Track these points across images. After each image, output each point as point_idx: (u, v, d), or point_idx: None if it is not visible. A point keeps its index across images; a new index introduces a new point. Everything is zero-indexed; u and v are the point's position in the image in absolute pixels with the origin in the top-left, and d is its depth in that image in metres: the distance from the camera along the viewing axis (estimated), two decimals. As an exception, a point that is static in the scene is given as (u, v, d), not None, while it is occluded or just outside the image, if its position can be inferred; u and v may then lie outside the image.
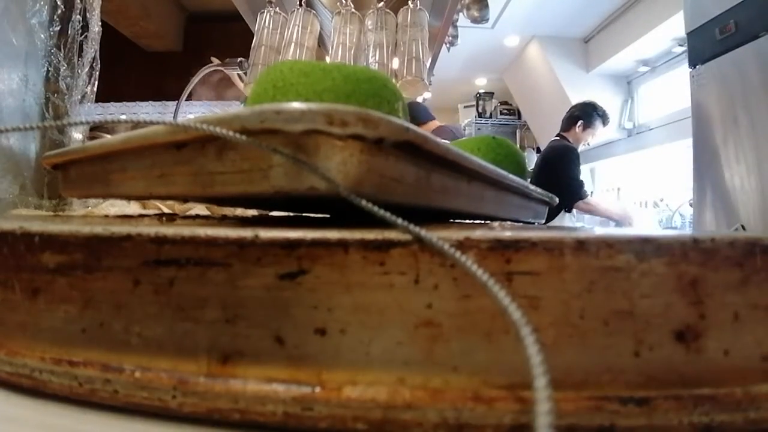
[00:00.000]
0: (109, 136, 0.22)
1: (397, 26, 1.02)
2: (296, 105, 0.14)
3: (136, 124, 0.18)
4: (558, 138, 1.85)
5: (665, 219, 2.02)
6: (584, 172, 2.05)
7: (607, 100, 2.25)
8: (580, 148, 1.81)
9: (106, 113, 2.47)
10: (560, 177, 1.70)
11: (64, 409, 0.14)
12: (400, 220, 0.13)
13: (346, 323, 0.13)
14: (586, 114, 1.80)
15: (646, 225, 2.05)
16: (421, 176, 0.18)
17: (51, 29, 0.66)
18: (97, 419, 0.13)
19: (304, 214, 0.27)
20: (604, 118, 1.81)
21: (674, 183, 2.08)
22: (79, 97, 0.69)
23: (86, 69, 0.69)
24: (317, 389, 0.12)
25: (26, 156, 0.64)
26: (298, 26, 1.02)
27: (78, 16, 0.68)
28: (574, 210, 1.75)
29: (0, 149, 0.60)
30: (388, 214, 0.14)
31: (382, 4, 1.00)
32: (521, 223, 0.37)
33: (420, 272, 0.12)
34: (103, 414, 0.13)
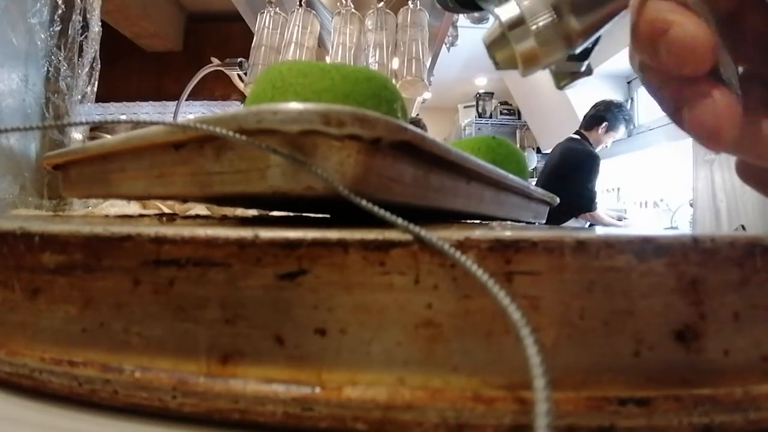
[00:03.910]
0: (109, 136, 0.22)
1: (397, 26, 1.02)
2: (293, 105, 0.14)
3: (136, 125, 0.18)
4: (578, 138, 1.70)
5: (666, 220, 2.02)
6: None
7: (607, 100, 2.24)
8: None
9: (106, 113, 2.47)
10: (575, 184, 1.58)
11: (64, 409, 0.14)
12: (400, 220, 0.13)
13: (346, 323, 0.13)
14: (613, 115, 1.66)
15: (650, 225, 2.04)
16: (419, 176, 0.18)
17: (51, 29, 0.66)
18: (97, 419, 0.13)
19: (304, 214, 0.27)
20: (629, 122, 1.67)
21: (674, 183, 2.07)
22: (79, 97, 0.69)
23: (86, 69, 0.70)
24: (317, 389, 0.12)
25: (26, 156, 0.64)
26: (298, 26, 1.02)
27: (78, 16, 0.68)
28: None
29: (0, 149, 0.60)
30: (387, 214, 0.14)
31: (382, 4, 1.01)
32: (522, 223, 0.37)
33: (420, 272, 0.12)
34: (103, 414, 0.13)
